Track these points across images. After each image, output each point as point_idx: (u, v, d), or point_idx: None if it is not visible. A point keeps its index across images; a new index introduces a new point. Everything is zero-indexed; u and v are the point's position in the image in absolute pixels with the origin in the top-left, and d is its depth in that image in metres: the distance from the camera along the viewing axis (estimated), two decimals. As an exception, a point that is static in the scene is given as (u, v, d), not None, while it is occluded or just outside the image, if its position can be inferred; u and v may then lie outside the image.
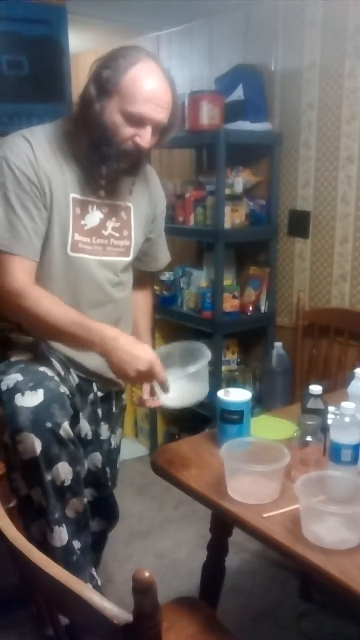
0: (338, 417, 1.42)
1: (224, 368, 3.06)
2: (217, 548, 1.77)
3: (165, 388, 1.50)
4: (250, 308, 3.01)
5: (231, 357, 3.18)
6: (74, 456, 1.53)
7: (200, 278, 3.07)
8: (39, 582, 0.95)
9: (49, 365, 1.59)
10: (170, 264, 2.05)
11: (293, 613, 2.13)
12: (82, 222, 1.59)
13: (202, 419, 3.00)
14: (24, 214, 1.50)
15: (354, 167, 2.64)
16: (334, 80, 2.66)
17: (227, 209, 2.83)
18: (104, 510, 1.83)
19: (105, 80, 1.46)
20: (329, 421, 1.57)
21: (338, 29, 2.60)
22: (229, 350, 3.16)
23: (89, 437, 1.69)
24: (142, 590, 0.80)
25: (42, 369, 1.56)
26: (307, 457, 1.45)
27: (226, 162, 2.75)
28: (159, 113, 1.49)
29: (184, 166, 3.49)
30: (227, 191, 2.84)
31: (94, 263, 1.63)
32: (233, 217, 2.87)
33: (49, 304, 1.51)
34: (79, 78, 2.96)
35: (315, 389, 1.62)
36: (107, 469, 1.81)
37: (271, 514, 1.32)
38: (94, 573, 1.67)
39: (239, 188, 2.91)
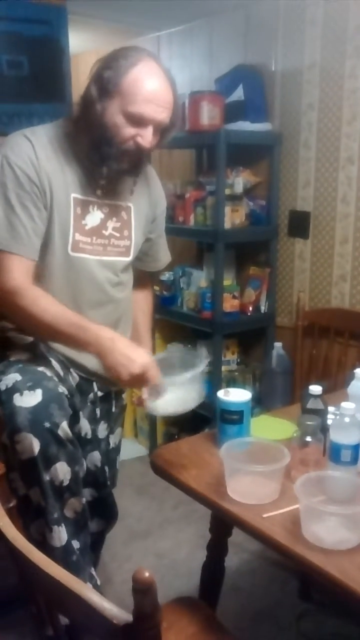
0: (338, 417, 1.42)
1: (223, 368, 3.05)
2: (217, 548, 1.77)
3: (158, 393, 1.49)
4: (250, 308, 3.01)
5: (231, 357, 3.18)
6: (72, 456, 1.53)
7: (200, 278, 3.07)
8: (39, 582, 0.95)
9: (48, 365, 1.58)
10: (170, 264, 2.05)
11: (292, 613, 2.13)
12: (83, 222, 1.59)
13: (201, 419, 2.99)
14: (23, 213, 1.50)
15: (354, 167, 2.64)
16: (334, 81, 2.66)
17: (227, 209, 2.83)
18: (103, 510, 1.82)
19: (106, 80, 1.46)
20: (329, 421, 1.57)
21: (338, 29, 2.60)
22: (228, 351, 3.16)
23: (89, 436, 1.69)
24: (142, 590, 0.80)
25: (41, 369, 1.56)
26: (307, 458, 1.45)
27: (226, 162, 2.75)
28: (160, 113, 1.49)
29: (184, 166, 3.49)
30: (227, 191, 2.84)
31: (95, 263, 1.63)
32: (233, 218, 2.87)
33: (45, 304, 1.51)
34: (79, 78, 2.96)
35: (315, 389, 1.62)
36: (106, 469, 1.81)
37: (271, 514, 1.32)
38: (94, 573, 1.67)
39: (239, 188, 2.91)
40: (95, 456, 1.73)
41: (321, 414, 1.58)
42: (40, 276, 1.56)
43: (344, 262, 2.74)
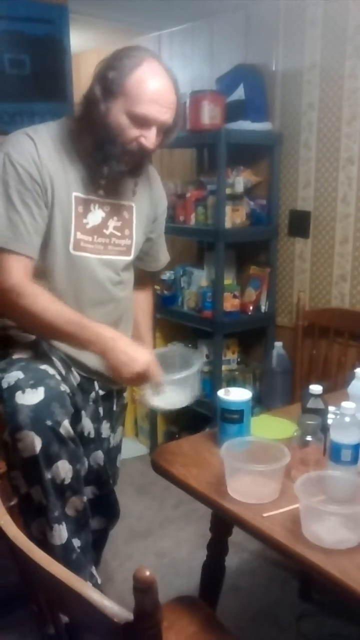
0: (338, 417, 1.42)
1: (224, 368, 3.06)
2: (217, 547, 1.77)
3: (158, 390, 1.50)
4: (251, 308, 3.01)
5: (231, 357, 3.18)
6: (74, 454, 1.53)
7: (201, 278, 3.07)
8: (40, 581, 0.95)
9: (50, 363, 1.59)
10: (171, 264, 2.05)
11: (292, 613, 2.13)
12: (84, 221, 1.60)
13: (202, 419, 3.00)
14: (24, 211, 1.50)
15: (354, 168, 2.64)
16: (334, 81, 2.66)
17: (228, 209, 2.83)
18: (105, 508, 1.83)
19: (110, 81, 1.46)
20: (329, 421, 1.57)
21: (339, 29, 2.60)
22: (229, 350, 3.16)
23: (92, 435, 1.69)
24: (143, 589, 0.80)
25: (43, 367, 1.56)
26: (307, 457, 1.45)
27: (227, 161, 2.76)
28: (164, 113, 1.49)
29: (185, 166, 3.49)
30: (228, 191, 2.84)
31: (96, 262, 1.63)
32: (234, 217, 2.88)
33: (45, 302, 1.50)
34: (80, 77, 2.97)
35: (316, 388, 1.62)
36: (108, 467, 1.81)
37: (271, 513, 1.32)
38: (94, 571, 1.67)
39: (239, 188, 2.91)
40: (99, 455, 1.73)
41: (321, 413, 1.58)
42: (41, 275, 1.56)
43: (344, 262, 2.75)
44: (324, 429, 1.49)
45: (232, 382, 3.02)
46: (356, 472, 1.38)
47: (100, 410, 1.76)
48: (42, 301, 1.50)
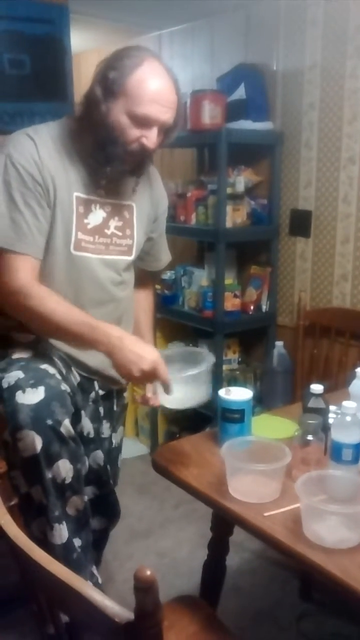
0: (339, 416, 1.42)
1: (225, 367, 3.06)
2: (218, 547, 1.77)
3: (167, 389, 1.50)
4: (252, 307, 3.01)
5: (232, 357, 3.18)
6: (74, 454, 1.53)
7: (202, 277, 3.07)
8: (40, 580, 0.95)
9: (51, 362, 1.59)
10: (172, 263, 2.05)
11: (293, 613, 2.13)
12: (85, 221, 1.60)
13: (203, 418, 3.00)
14: (27, 212, 1.50)
15: (355, 167, 2.64)
16: (335, 81, 2.66)
17: (229, 209, 2.83)
18: (105, 508, 1.83)
19: (111, 81, 1.46)
20: (330, 420, 1.57)
21: (339, 29, 2.60)
22: (230, 350, 3.16)
23: (91, 435, 1.69)
24: (144, 589, 0.80)
25: (44, 366, 1.56)
26: (308, 457, 1.45)
27: (228, 161, 2.75)
28: (165, 113, 1.49)
29: (186, 165, 3.49)
30: (229, 190, 2.84)
31: (97, 262, 1.63)
32: (234, 217, 2.87)
33: (53, 303, 1.50)
34: (80, 77, 2.97)
35: (317, 388, 1.62)
36: (108, 467, 1.81)
37: (272, 513, 1.32)
38: (95, 571, 1.67)
39: (240, 187, 2.91)
40: (98, 455, 1.74)
41: (322, 413, 1.58)
42: (41, 274, 1.56)
43: (345, 261, 2.74)
44: (325, 428, 1.49)
45: (233, 381, 3.02)
46: (357, 472, 1.38)
47: (100, 410, 1.76)
48: (50, 302, 1.50)
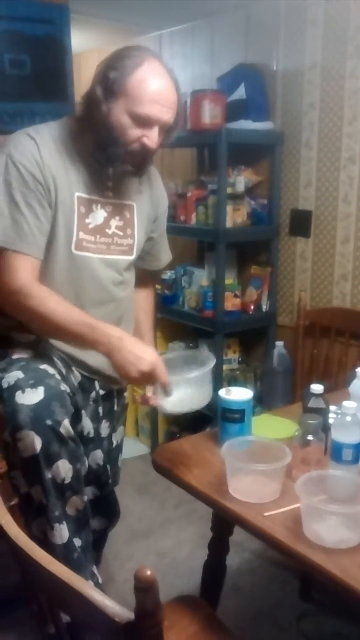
0: (339, 416, 1.42)
1: (225, 367, 3.06)
2: (218, 547, 1.77)
3: (166, 391, 1.49)
4: (252, 307, 3.01)
5: (232, 357, 3.18)
6: (74, 454, 1.53)
7: (202, 277, 3.07)
8: (41, 580, 0.95)
9: (50, 363, 1.59)
10: (172, 263, 2.05)
11: (293, 613, 2.13)
12: (87, 221, 1.60)
13: (203, 418, 2.99)
14: (28, 212, 1.50)
15: (355, 167, 2.64)
16: (335, 81, 2.66)
17: (229, 208, 2.83)
18: (105, 508, 1.83)
19: (111, 81, 1.46)
20: (330, 420, 1.57)
21: (339, 29, 2.60)
22: (230, 350, 3.16)
23: (91, 434, 1.69)
24: (144, 589, 0.80)
25: (43, 366, 1.56)
26: (308, 457, 1.45)
27: (228, 161, 2.75)
28: (165, 113, 1.49)
29: (186, 165, 3.49)
30: (229, 190, 2.84)
31: (98, 261, 1.63)
32: (234, 217, 2.87)
33: (53, 303, 1.50)
34: (81, 77, 2.97)
35: (317, 388, 1.62)
36: (108, 467, 1.81)
37: (272, 513, 1.32)
38: (95, 571, 1.67)
39: (240, 187, 2.91)
40: (98, 455, 1.74)
41: (322, 412, 1.58)
42: (42, 274, 1.56)
43: (345, 261, 2.75)
44: (325, 428, 1.49)
45: (233, 381, 3.02)
46: (357, 472, 1.38)
47: (100, 410, 1.76)
48: (50, 302, 1.50)
